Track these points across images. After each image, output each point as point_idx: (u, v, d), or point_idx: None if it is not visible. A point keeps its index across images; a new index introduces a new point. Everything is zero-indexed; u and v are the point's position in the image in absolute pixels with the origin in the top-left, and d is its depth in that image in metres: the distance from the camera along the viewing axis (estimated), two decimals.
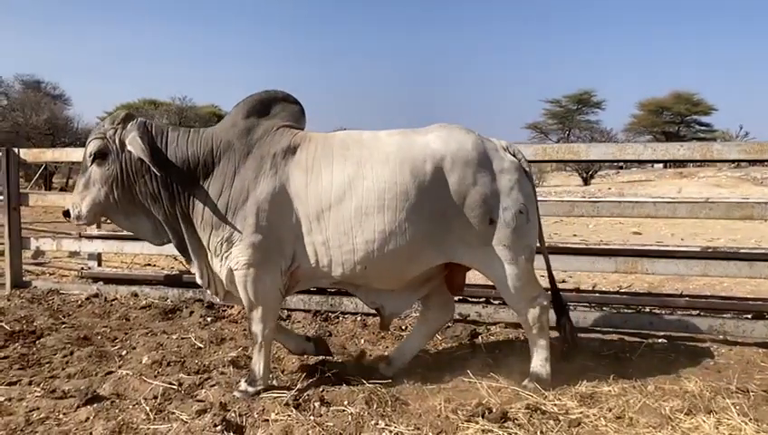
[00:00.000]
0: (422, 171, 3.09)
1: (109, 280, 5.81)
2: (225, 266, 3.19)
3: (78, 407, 2.98)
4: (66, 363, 3.70)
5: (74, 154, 5.72)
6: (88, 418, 2.89)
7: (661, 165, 36.06)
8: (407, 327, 4.49)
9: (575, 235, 10.85)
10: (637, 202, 4.56)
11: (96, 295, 5.45)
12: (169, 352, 3.81)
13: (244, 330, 4.33)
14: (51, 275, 6.63)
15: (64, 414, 2.94)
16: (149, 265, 7.35)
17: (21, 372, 3.54)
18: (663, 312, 4.63)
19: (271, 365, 3.42)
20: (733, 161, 7.09)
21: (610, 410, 2.95)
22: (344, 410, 2.96)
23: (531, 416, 2.87)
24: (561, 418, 2.87)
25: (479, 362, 3.64)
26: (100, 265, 6.31)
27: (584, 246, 5.22)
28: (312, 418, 2.87)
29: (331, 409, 2.99)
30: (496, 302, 4.65)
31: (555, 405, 3.03)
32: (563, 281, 6.54)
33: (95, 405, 3.00)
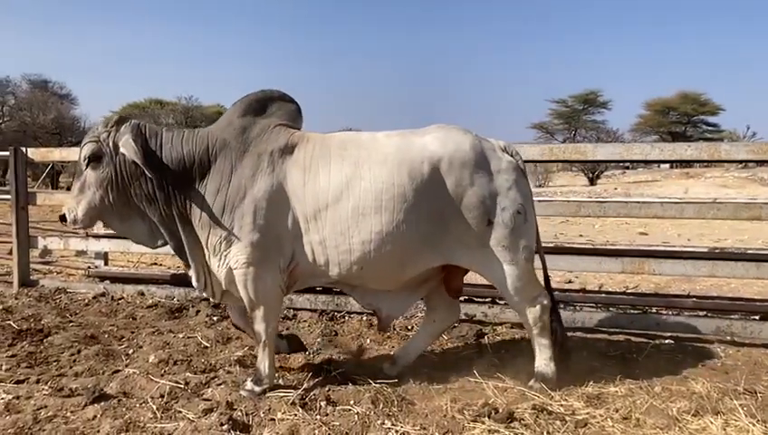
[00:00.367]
0: (419, 173, 3.09)
1: (115, 279, 5.84)
2: (223, 265, 3.19)
3: (85, 405, 3.00)
4: (73, 362, 3.72)
5: None
6: (95, 416, 2.90)
7: (668, 165, 35.91)
8: (413, 327, 4.49)
9: (581, 235, 10.83)
10: (644, 202, 4.55)
11: (103, 294, 5.47)
12: (176, 351, 3.82)
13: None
14: (58, 273, 6.66)
15: (72, 412, 2.96)
16: (156, 264, 7.37)
17: (28, 370, 3.56)
18: (670, 312, 4.62)
19: (276, 364, 3.42)
20: (740, 162, 7.06)
21: (617, 411, 2.94)
22: (350, 410, 2.96)
23: (537, 416, 2.87)
24: (567, 418, 2.87)
25: (485, 362, 3.63)
26: (106, 264, 6.34)
27: (591, 247, 5.21)
28: (318, 417, 2.87)
29: (338, 408, 2.99)
30: (502, 302, 4.64)
31: (562, 406, 3.02)
32: (569, 281, 6.54)
33: (102, 403, 3.01)
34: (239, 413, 2.91)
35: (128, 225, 3.33)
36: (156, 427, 2.81)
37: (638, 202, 4.59)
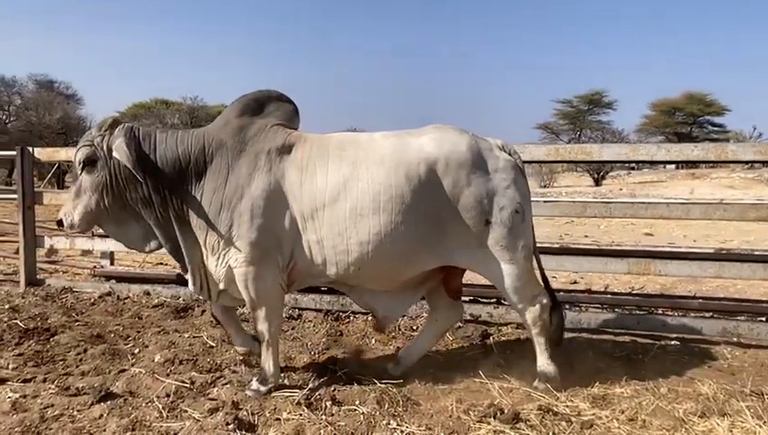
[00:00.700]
0: (416, 174, 3.09)
1: (121, 278, 5.85)
2: (222, 265, 3.19)
3: (92, 404, 3.01)
4: (80, 361, 3.73)
5: None
6: (101, 415, 2.91)
7: (673, 166, 35.83)
8: (418, 328, 4.49)
9: (586, 235, 10.82)
10: (650, 203, 4.54)
11: (109, 294, 5.49)
12: (182, 351, 3.83)
13: None
14: (64, 273, 6.69)
15: (78, 411, 2.97)
16: (162, 263, 7.39)
17: (35, 369, 3.57)
18: (676, 314, 4.60)
19: (281, 363, 3.43)
20: (747, 162, 7.03)
21: (623, 413, 2.93)
22: (356, 410, 2.96)
23: (543, 417, 2.87)
24: (573, 419, 2.86)
25: (490, 362, 3.63)
26: (112, 263, 6.36)
27: (596, 247, 5.20)
28: (323, 417, 2.88)
29: (343, 408, 3.00)
30: (507, 303, 4.64)
31: (567, 406, 3.02)
32: (574, 282, 6.53)
33: (108, 402, 3.02)
34: (245, 413, 2.91)
35: (123, 229, 3.31)
36: (162, 426, 2.82)
37: (644, 203, 4.59)
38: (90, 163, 3.18)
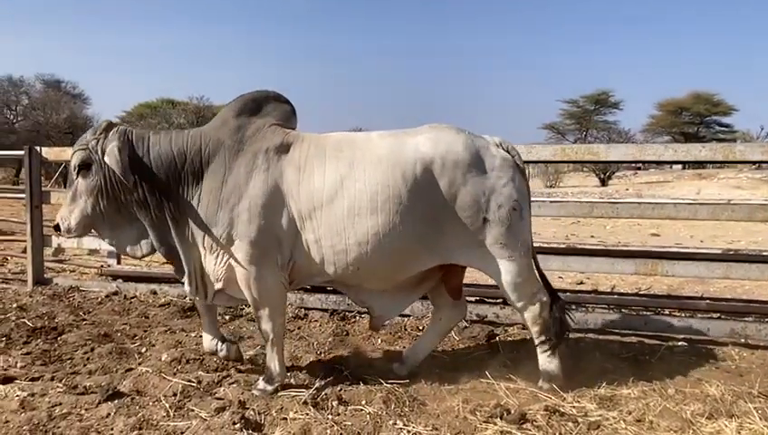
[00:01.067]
0: (412, 174, 3.09)
1: (128, 278, 5.87)
2: (221, 265, 3.19)
3: (99, 403, 3.02)
4: (87, 360, 3.74)
5: None
6: (109, 414, 2.93)
7: (680, 166, 35.66)
8: (424, 328, 4.48)
9: (592, 236, 10.79)
10: (657, 203, 4.52)
11: (115, 293, 5.51)
12: (188, 350, 3.84)
13: None
14: (71, 272, 6.71)
15: (86, 410, 2.98)
16: (168, 263, 7.39)
17: (43, 368, 3.59)
18: (683, 314, 4.58)
19: (287, 363, 3.43)
20: (755, 162, 7.00)
21: (630, 414, 2.93)
22: (362, 410, 2.96)
23: (549, 418, 2.86)
24: (580, 420, 2.86)
25: (497, 363, 3.63)
26: (119, 262, 6.37)
27: (603, 248, 5.18)
28: (330, 417, 2.88)
29: (349, 408, 3.00)
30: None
31: (574, 407, 3.01)
32: (581, 283, 6.51)
33: (116, 401, 3.03)
34: (251, 412, 2.92)
35: (116, 233, 3.30)
36: (169, 425, 2.83)
37: (652, 203, 4.57)
38: (85, 167, 3.19)
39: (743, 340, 4.11)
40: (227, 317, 4.75)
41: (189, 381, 3.32)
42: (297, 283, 3.37)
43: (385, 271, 3.23)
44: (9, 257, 7.32)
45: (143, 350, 3.96)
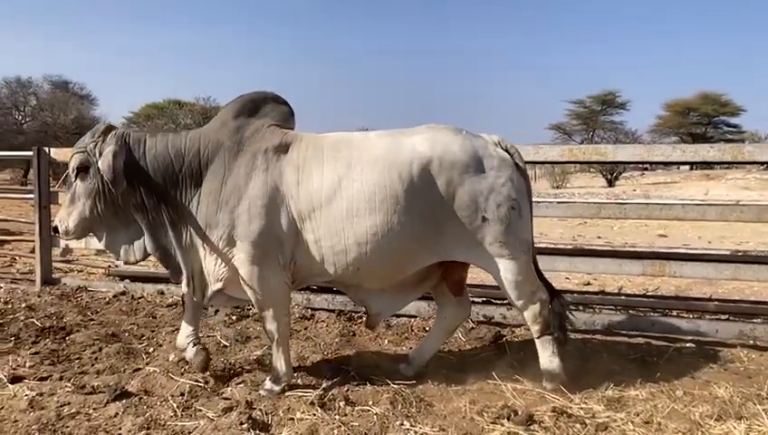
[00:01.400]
0: (409, 174, 3.10)
1: (135, 278, 5.89)
2: (222, 266, 3.20)
3: (107, 403, 3.03)
4: (95, 360, 3.76)
5: None
6: (117, 413, 2.94)
7: (687, 167, 35.50)
8: (430, 328, 4.48)
9: (599, 236, 10.74)
10: (665, 204, 4.50)
11: (123, 293, 5.53)
12: None
13: None
14: (79, 272, 6.74)
15: (94, 410, 2.99)
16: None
17: (51, 367, 3.61)
18: (691, 316, 4.56)
19: (294, 363, 3.43)
20: (765, 163, 6.96)
21: (638, 415, 2.91)
22: (369, 410, 2.97)
23: (557, 419, 2.86)
24: (587, 421, 2.85)
25: (504, 364, 3.62)
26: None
27: (610, 248, 5.17)
28: (337, 417, 2.88)
29: (356, 408, 3.00)
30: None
31: (582, 409, 3.00)
32: (588, 283, 6.48)
33: (124, 401, 3.05)
34: (258, 412, 2.93)
35: (112, 236, 3.29)
36: (176, 425, 2.84)
37: (660, 204, 4.55)
38: (83, 170, 3.19)
39: (751, 341, 4.09)
40: (234, 317, 4.76)
41: (197, 381, 3.33)
42: (299, 283, 3.38)
43: (385, 271, 3.24)
44: (18, 257, 7.35)
45: (151, 350, 3.97)
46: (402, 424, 2.84)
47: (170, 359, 3.70)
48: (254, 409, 2.97)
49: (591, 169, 35.22)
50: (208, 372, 3.47)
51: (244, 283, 3.19)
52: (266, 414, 2.93)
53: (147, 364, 3.65)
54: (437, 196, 3.11)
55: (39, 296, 5.42)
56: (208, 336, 4.23)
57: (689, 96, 50.21)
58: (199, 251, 3.24)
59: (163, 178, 3.18)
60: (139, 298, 5.41)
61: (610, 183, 32.41)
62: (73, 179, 3.23)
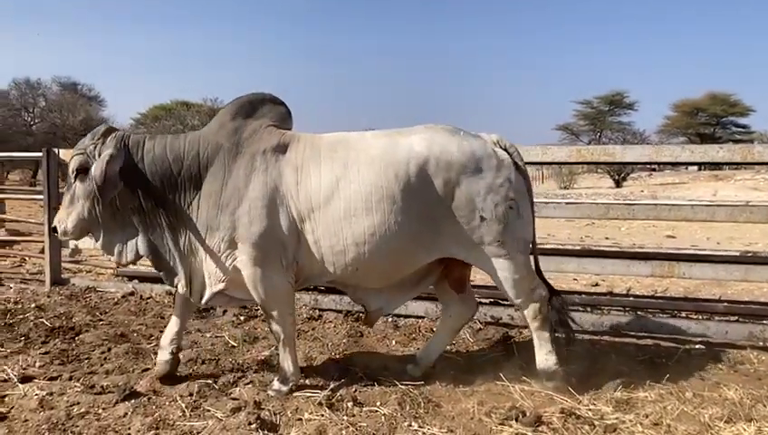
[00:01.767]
0: (406, 174, 3.10)
1: (144, 278, 5.91)
2: (223, 267, 3.19)
3: (116, 402, 3.05)
4: (104, 360, 3.78)
5: None
6: (126, 413, 2.95)
7: (695, 167, 35.33)
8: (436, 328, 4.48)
9: (607, 237, 10.71)
10: (673, 205, 4.48)
11: (132, 293, 5.56)
12: (204, 351, 3.86)
13: None
14: (87, 272, 6.77)
15: (103, 409, 3.01)
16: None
17: (61, 367, 3.63)
18: (700, 317, 4.53)
19: (302, 364, 3.43)
20: None
21: (647, 417, 2.90)
22: (377, 411, 2.97)
23: (565, 421, 2.85)
24: (596, 423, 2.84)
25: (512, 365, 3.60)
26: (135, 263, 6.40)
27: (619, 249, 5.15)
28: (345, 418, 2.88)
29: (364, 409, 3.00)
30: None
31: (590, 410, 2.99)
32: (596, 284, 6.46)
33: (133, 401, 3.06)
34: (267, 413, 2.93)
35: (109, 238, 3.29)
36: (185, 425, 2.85)
37: (668, 205, 4.53)
38: (82, 171, 3.19)
39: (761, 343, 4.06)
40: (242, 318, 4.77)
41: (205, 381, 3.34)
42: (301, 283, 3.38)
43: (383, 270, 3.25)
44: (27, 258, 7.40)
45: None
46: (410, 425, 2.84)
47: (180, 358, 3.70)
48: (263, 409, 2.97)
49: (599, 170, 35.14)
50: (217, 372, 3.47)
51: (248, 284, 3.19)
52: (274, 414, 2.94)
53: (155, 365, 3.66)
54: (435, 196, 3.11)
55: (48, 296, 5.45)
56: (216, 336, 4.25)
57: (697, 96, 50.08)
58: (199, 253, 3.24)
59: (161, 181, 3.18)
60: (148, 298, 5.43)
61: (618, 184, 32.30)
62: (73, 181, 3.24)
